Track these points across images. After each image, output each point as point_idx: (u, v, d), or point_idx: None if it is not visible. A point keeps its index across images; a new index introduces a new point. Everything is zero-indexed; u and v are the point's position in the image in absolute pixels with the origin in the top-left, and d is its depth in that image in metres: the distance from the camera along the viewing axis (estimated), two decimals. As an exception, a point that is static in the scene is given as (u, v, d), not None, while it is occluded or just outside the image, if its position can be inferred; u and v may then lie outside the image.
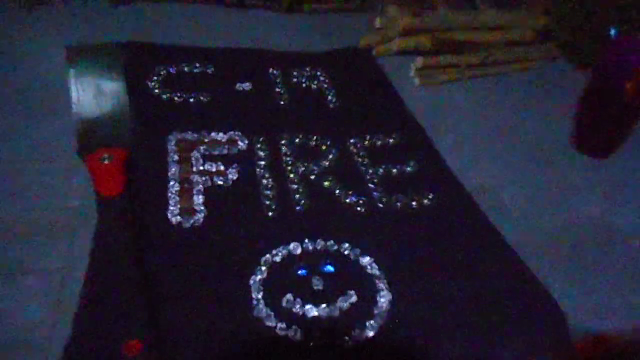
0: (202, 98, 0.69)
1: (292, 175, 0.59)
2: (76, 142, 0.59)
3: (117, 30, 0.80)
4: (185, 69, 0.74)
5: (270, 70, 0.77)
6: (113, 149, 0.56)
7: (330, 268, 0.48)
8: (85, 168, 0.55)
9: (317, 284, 0.46)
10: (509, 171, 0.65)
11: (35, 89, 0.68)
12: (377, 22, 0.83)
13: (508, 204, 0.59)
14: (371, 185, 0.58)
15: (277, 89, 0.73)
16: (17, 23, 0.80)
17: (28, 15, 0.82)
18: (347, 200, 0.56)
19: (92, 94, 0.67)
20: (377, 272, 0.48)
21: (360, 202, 0.56)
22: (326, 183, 0.58)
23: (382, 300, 0.45)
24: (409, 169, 0.61)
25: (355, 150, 0.63)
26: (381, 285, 0.47)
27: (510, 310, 0.46)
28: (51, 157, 0.58)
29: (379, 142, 0.65)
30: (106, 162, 0.54)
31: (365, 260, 0.49)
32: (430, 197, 0.57)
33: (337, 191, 0.57)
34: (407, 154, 0.63)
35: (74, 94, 0.65)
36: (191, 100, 0.68)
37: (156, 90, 0.69)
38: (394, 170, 0.61)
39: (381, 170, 0.61)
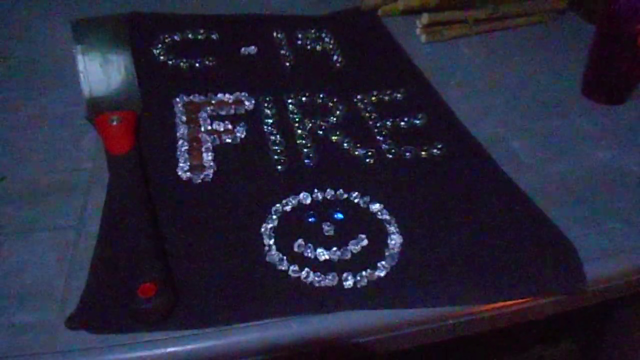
0: (207, 62, 0.69)
1: (300, 131, 0.58)
2: (85, 109, 0.59)
3: (121, 1, 0.81)
4: (190, 35, 0.74)
5: (275, 33, 0.76)
6: (121, 112, 0.57)
7: (340, 215, 0.48)
8: (94, 133, 0.56)
9: (328, 230, 0.46)
10: (519, 121, 0.64)
11: (43, 61, 0.70)
12: (381, -18, 0.82)
13: (519, 153, 0.59)
14: (380, 138, 0.58)
15: (283, 51, 0.73)
16: None
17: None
18: (356, 153, 0.56)
19: (99, 64, 0.67)
20: (388, 217, 0.48)
21: (369, 153, 0.56)
22: (334, 137, 0.58)
23: (393, 242, 0.45)
24: (417, 121, 0.61)
25: (362, 106, 0.63)
26: (392, 228, 0.47)
27: (524, 252, 0.45)
28: (61, 124, 0.59)
29: (386, 98, 0.65)
30: (115, 122, 0.55)
31: (375, 206, 0.49)
32: (439, 146, 0.57)
33: (346, 144, 0.57)
34: (416, 107, 0.63)
35: (80, 65, 0.66)
36: (197, 65, 0.69)
37: (162, 57, 0.70)
38: (402, 123, 0.61)
39: (389, 123, 0.60)
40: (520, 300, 0.43)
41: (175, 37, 0.74)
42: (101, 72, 0.65)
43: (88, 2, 0.81)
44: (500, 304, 0.43)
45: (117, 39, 0.72)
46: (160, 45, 0.71)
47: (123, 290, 0.38)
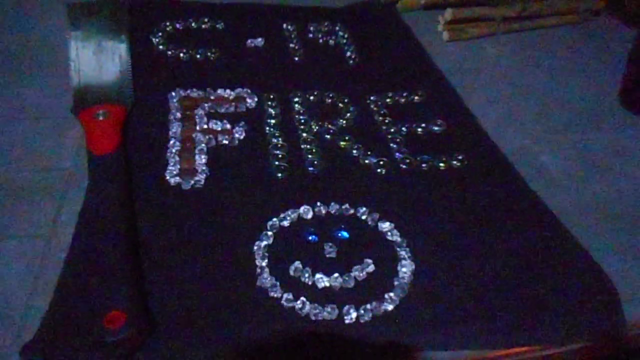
0: (209, 54, 0.64)
1: (305, 135, 0.53)
2: (72, 100, 0.54)
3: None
4: (193, 24, 0.69)
5: (285, 25, 0.71)
6: (110, 106, 0.51)
7: (344, 234, 0.42)
8: (78, 127, 0.51)
9: (330, 251, 0.41)
10: (549, 133, 0.57)
11: (31, 47, 0.65)
12: (402, -26, 0.76)
13: (549, 169, 0.52)
14: (393, 145, 0.52)
15: (292, 45, 0.67)
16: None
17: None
18: (366, 161, 0.50)
19: (92, 52, 0.62)
20: (398, 239, 0.42)
21: (381, 163, 0.50)
22: (342, 143, 0.52)
23: (404, 270, 0.39)
24: (436, 128, 0.55)
25: (375, 109, 0.57)
26: (403, 253, 0.41)
27: (553, 288, 0.39)
28: (42, 116, 0.53)
29: (402, 100, 0.59)
30: (101, 118, 0.49)
31: (385, 225, 0.43)
32: (460, 158, 0.51)
33: (355, 151, 0.51)
34: (434, 113, 0.57)
35: (72, 52, 0.60)
36: (198, 56, 0.63)
37: (161, 47, 0.64)
38: (419, 130, 0.55)
39: (404, 129, 0.54)
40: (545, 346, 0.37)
41: (178, 25, 0.68)
42: (94, 60, 0.60)
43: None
44: (525, 348, 0.37)
45: (115, 26, 0.66)
46: (160, 34, 0.66)
47: (88, 317, 0.33)
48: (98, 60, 0.60)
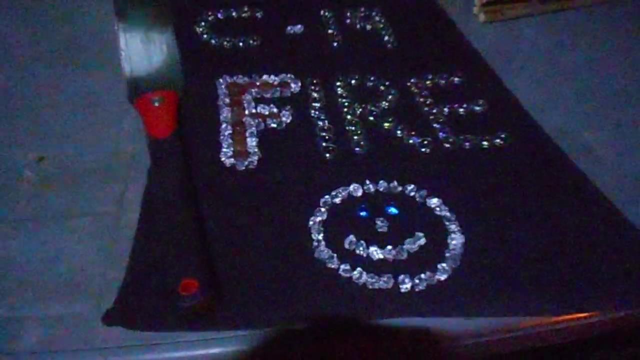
0: (251, 42, 0.66)
1: (349, 117, 0.54)
2: (126, 88, 0.57)
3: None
4: (234, 13, 0.71)
5: (322, 12, 0.72)
6: (163, 92, 0.54)
7: (394, 210, 0.44)
8: (135, 114, 0.54)
9: (381, 226, 0.42)
10: (592, 112, 0.58)
11: (84, 39, 0.67)
12: (437, -43, 0.76)
13: (592, 145, 0.53)
14: (436, 125, 0.53)
15: (330, 31, 0.68)
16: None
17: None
18: (410, 141, 0.52)
19: (141, 42, 0.64)
20: (448, 214, 0.43)
21: (425, 142, 0.51)
22: (386, 124, 0.54)
23: (454, 242, 0.41)
24: (477, 107, 0.56)
25: (416, 91, 0.58)
26: (452, 227, 0.42)
27: (601, 258, 0.40)
28: (101, 104, 0.56)
29: (442, 82, 0.60)
30: (156, 104, 0.52)
31: (433, 201, 0.45)
32: (503, 136, 0.52)
33: (399, 132, 0.53)
34: (475, 93, 0.58)
35: (122, 43, 0.63)
36: (240, 44, 0.65)
37: (205, 36, 0.66)
38: (461, 110, 0.56)
39: (446, 109, 0.56)
40: (595, 313, 0.38)
41: (219, 15, 0.70)
42: (143, 51, 0.62)
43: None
44: (572, 316, 0.38)
45: (160, 16, 0.69)
46: (203, 24, 0.68)
47: (163, 286, 0.36)
48: (147, 50, 0.62)
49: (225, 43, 0.65)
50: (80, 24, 0.71)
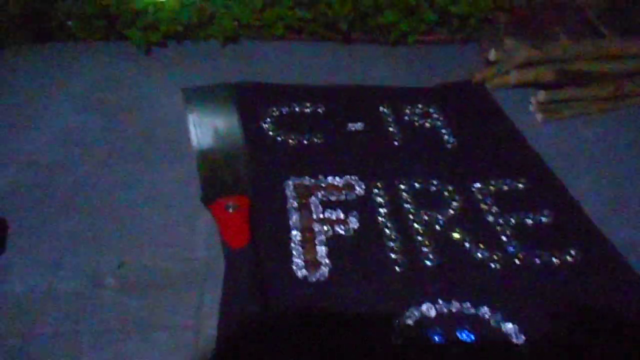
0: (315, 139, 0.68)
1: (416, 225, 0.55)
2: (200, 191, 0.59)
3: (228, 68, 0.81)
4: (297, 109, 0.74)
5: (381, 108, 0.74)
6: (236, 197, 0.56)
7: (471, 336, 0.44)
8: (207, 215, 0.56)
9: (458, 354, 0.42)
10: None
11: (155, 132, 0.69)
12: (492, 55, 0.79)
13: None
14: (504, 238, 0.54)
15: (390, 128, 0.70)
16: (134, 66, 0.83)
17: (145, 58, 0.85)
18: (479, 255, 0.52)
19: (211, 138, 0.68)
20: (523, 343, 0.43)
21: (494, 257, 0.51)
22: (455, 235, 0.54)
23: (535, 377, 0.41)
24: (543, 218, 0.56)
25: (480, 197, 0.59)
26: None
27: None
28: (173, 203, 0.58)
29: (505, 187, 0.61)
30: (231, 210, 0.54)
31: (509, 327, 0.44)
32: (572, 253, 0.52)
33: (467, 244, 0.53)
34: (540, 201, 0.58)
35: (193, 138, 0.66)
36: (305, 142, 0.67)
37: (270, 133, 0.69)
38: (528, 221, 0.56)
39: (512, 220, 0.56)
40: None
41: (283, 110, 0.73)
42: (214, 147, 0.66)
43: (197, 69, 0.82)
44: None
45: (227, 109, 0.72)
46: (268, 119, 0.71)
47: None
48: (217, 147, 0.65)
49: (290, 140, 0.68)
50: (150, 113, 0.73)
